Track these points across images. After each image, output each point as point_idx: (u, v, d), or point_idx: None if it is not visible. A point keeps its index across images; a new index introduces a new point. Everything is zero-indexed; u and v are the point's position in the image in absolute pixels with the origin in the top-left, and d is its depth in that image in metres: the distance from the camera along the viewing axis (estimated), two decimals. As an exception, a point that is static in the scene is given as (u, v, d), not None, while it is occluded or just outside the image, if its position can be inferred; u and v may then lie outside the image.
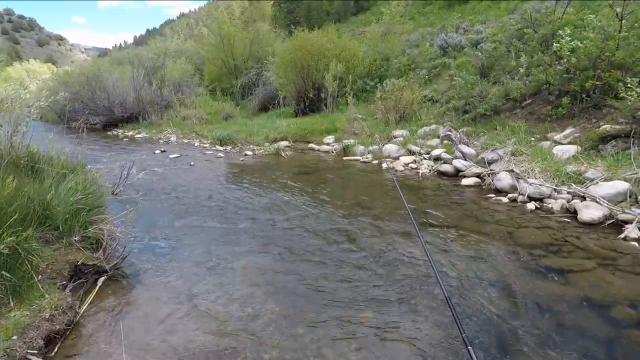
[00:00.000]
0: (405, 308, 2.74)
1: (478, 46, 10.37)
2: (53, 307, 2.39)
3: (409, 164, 6.77)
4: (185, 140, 10.94)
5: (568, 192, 4.30)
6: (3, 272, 2.35)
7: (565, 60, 5.65)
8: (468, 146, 6.15)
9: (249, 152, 8.70)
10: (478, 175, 5.48)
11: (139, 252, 3.72)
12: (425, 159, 6.77)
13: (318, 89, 11.92)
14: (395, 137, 7.88)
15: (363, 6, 27.31)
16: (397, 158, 7.06)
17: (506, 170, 5.03)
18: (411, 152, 7.12)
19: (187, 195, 5.56)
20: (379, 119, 9.13)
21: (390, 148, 7.31)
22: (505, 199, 4.67)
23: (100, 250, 3.41)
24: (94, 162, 7.52)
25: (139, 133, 12.88)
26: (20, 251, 2.53)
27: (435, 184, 5.76)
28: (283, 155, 8.36)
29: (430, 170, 6.26)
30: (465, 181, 5.52)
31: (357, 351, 2.33)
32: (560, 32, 6.07)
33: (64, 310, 2.45)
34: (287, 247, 3.79)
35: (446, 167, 6.08)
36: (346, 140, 8.32)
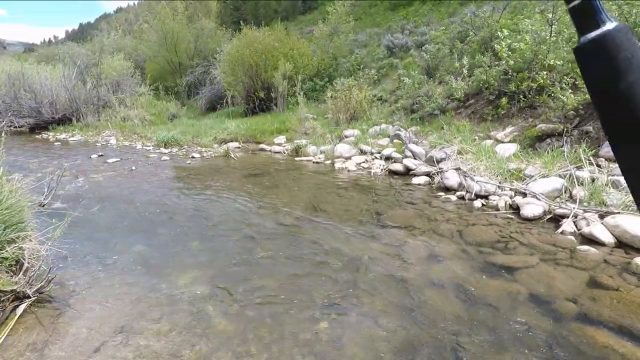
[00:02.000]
0: (360, 311, 2.67)
1: (423, 47, 10.74)
2: (-44, 347, 2.03)
3: (361, 163, 6.80)
4: (127, 143, 10.22)
5: (510, 189, 4.51)
6: None
7: (504, 62, 5.96)
8: (417, 145, 6.28)
9: (196, 155, 8.29)
10: (428, 174, 5.61)
11: (69, 271, 3.34)
12: (376, 158, 6.83)
13: (268, 88, 11.69)
14: (346, 137, 7.90)
15: (311, 6, 27.38)
16: (349, 158, 7.07)
17: (454, 169, 5.19)
18: (363, 152, 7.17)
19: (126, 204, 5.14)
20: (330, 119, 9.12)
21: (342, 148, 7.31)
22: (454, 197, 4.81)
23: (21, 273, 3.00)
24: (20, 170, 6.74)
25: (72, 136, 11.84)
26: None
27: (387, 183, 5.81)
28: (233, 156, 8.06)
29: (381, 170, 6.32)
30: (416, 180, 5.62)
31: (314, 366, 2.22)
32: (499, 33, 6.38)
33: (-29, 349, 2.08)
34: (236, 256, 3.59)
35: (397, 166, 6.17)
36: (298, 141, 8.21)
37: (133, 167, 7.27)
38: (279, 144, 8.71)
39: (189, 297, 2.94)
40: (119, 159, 8.02)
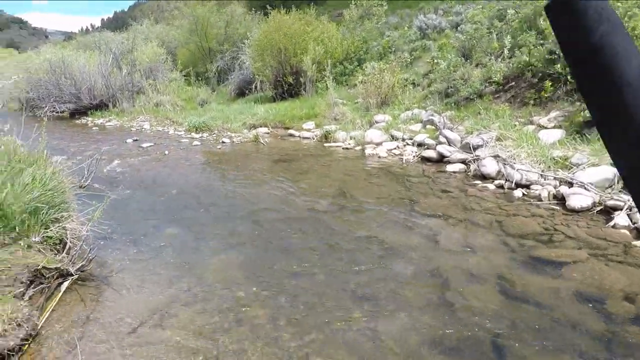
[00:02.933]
0: (395, 305, 2.59)
1: (458, 28, 10.25)
2: (6, 320, 2.12)
3: (392, 149, 6.63)
4: (159, 128, 10.45)
5: (555, 178, 4.24)
6: (-56, 285, 2.05)
7: (550, 40, 5.56)
8: (452, 131, 6.03)
9: (226, 140, 8.36)
10: (463, 161, 5.38)
11: (108, 251, 3.45)
12: (408, 144, 6.63)
13: (296, 73, 11.56)
14: (377, 122, 7.70)
15: (341, -12, 26.69)
16: (380, 144, 6.90)
17: (492, 156, 4.95)
18: (394, 138, 6.97)
19: (161, 187, 5.25)
20: (360, 104, 8.91)
21: (373, 134, 7.13)
22: (491, 186, 4.59)
23: (64, 252, 3.12)
24: (61, 153, 7.04)
25: (109, 121, 12.23)
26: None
27: (419, 170, 5.63)
28: (262, 142, 8.06)
29: (414, 157, 6.13)
30: (450, 167, 5.41)
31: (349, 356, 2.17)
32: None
33: (19, 323, 2.18)
34: (269, 241, 3.59)
35: (430, 153, 5.96)
36: (327, 126, 8.09)
37: (166, 152, 7.42)
38: (308, 130, 8.62)
39: (221, 281, 2.96)
40: (152, 144, 8.21)
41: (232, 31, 17.09)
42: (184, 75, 16.30)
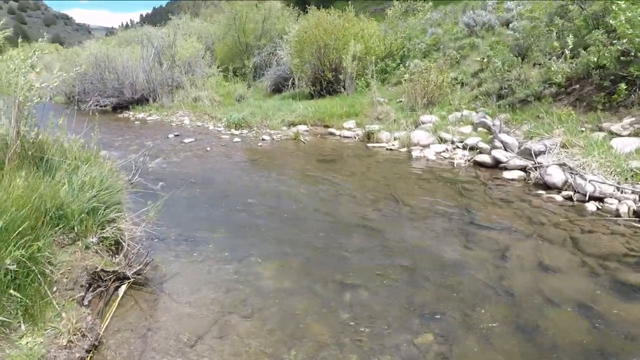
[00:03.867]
0: (465, 327, 2.37)
1: (510, 25, 9.70)
2: (71, 330, 2.06)
3: (441, 152, 6.32)
4: (199, 123, 10.53)
5: (633, 192, 3.84)
6: (11, 291, 2.01)
7: (623, 40, 5.07)
8: (509, 135, 5.66)
9: (266, 137, 8.28)
10: (522, 168, 5.03)
11: (161, 253, 3.39)
12: (458, 147, 6.30)
13: (335, 70, 11.35)
14: (423, 123, 7.39)
15: (378, -17, 26.15)
16: (427, 146, 6.60)
17: (557, 164, 4.57)
18: (442, 140, 6.65)
19: (206, 186, 5.20)
20: (405, 103, 8.60)
21: (420, 135, 6.84)
22: (558, 197, 4.23)
23: (121, 254, 3.08)
24: (106, 147, 7.18)
25: (150, 115, 12.50)
26: (32, 264, 2.18)
27: (472, 176, 5.32)
28: (302, 140, 7.93)
29: (465, 161, 5.80)
30: (507, 174, 5.07)
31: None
32: (614, 7, 5.43)
33: (83, 333, 2.12)
34: (320, 248, 3.42)
35: (484, 158, 5.62)
36: (369, 126, 7.85)
37: (208, 148, 7.43)
38: (349, 129, 8.42)
39: (276, 290, 2.83)
40: (193, 139, 8.26)
41: (270, 26, 17.06)
42: (221, 71, 16.45)
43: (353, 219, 4.03)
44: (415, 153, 6.38)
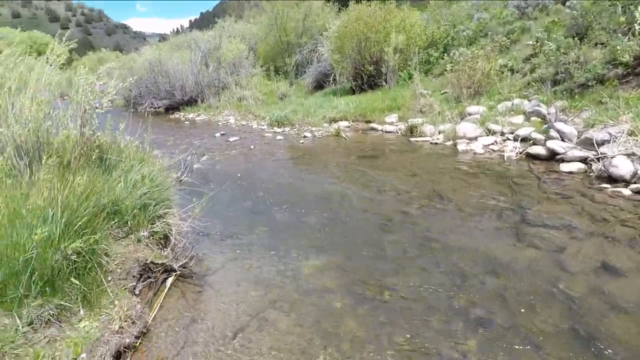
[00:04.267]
0: (515, 333, 2.21)
1: (567, 3, 8.95)
2: (122, 317, 2.20)
3: (489, 145, 5.99)
4: (243, 122, 10.83)
5: None
6: (72, 279, 2.18)
7: None
8: (566, 124, 5.22)
9: (307, 134, 8.33)
10: (583, 160, 4.62)
11: (205, 247, 3.53)
12: (508, 139, 5.93)
13: (376, 63, 11.14)
14: (470, 115, 7.04)
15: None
16: (474, 139, 6.28)
17: (624, 154, 4.14)
18: (491, 132, 6.29)
19: (249, 183, 5.33)
20: (449, 94, 8.26)
21: (466, 127, 6.52)
22: (626, 191, 3.83)
23: (169, 248, 3.24)
24: (159, 147, 7.59)
25: (198, 115, 13.06)
26: (90, 255, 2.35)
27: (525, 169, 4.98)
28: (344, 136, 7.88)
29: (517, 153, 5.45)
30: (565, 166, 4.69)
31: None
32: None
33: (133, 320, 2.25)
34: (360, 246, 3.37)
35: (538, 149, 5.24)
36: (412, 119, 7.62)
37: (252, 146, 7.61)
38: (391, 123, 8.23)
39: (315, 288, 2.82)
40: (238, 138, 8.50)
41: (310, 24, 17.12)
42: (264, 70, 16.79)
43: (395, 216, 3.93)
44: (461, 146, 6.09)
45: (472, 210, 3.91)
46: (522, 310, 2.42)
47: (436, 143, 6.66)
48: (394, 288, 2.76)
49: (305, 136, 8.23)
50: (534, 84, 6.94)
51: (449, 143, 6.48)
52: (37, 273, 2.03)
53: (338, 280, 2.92)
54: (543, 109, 5.89)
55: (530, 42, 8.28)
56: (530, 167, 5.00)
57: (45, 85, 3.01)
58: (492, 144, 5.96)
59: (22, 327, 1.98)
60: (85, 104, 3.49)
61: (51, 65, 3.18)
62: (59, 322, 2.12)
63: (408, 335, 2.29)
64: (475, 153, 5.82)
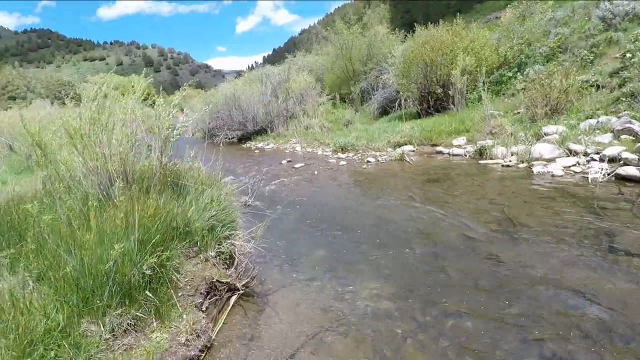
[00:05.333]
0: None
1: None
2: (189, 331, 2.36)
3: (570, 167, 5.46)
4: (309, 149, 11.21)
5: None
6: (147, 292, 2.41)
7: None
8: (665, 142, 4.59)
9: (371, 159, 8.34)
10: (688, 182, 4.00)
11: (266, 268, 3.66)
12: (593, 159, 5.35)
13: (443, 86, 10.91)
14: (547, 135, 6.51)
15: (490, -9, 24.68)
16: (552, 160, 5.78)
17: None
18: (571, 152, 5.75)
19: (311, 207, 5.45)
20: (523, 114, 7.75)
21: (543, 148, 6.04)
22: None
23: (233, 267, 3.43)
24: (231, 173, 8.16)
25: (267, 144, 13.81)
26: (162, 271, 2.59)
27: (614, 193, 4.44)
28: (408, 160, 7.75)
29: (604, 175, 4.89)
30: (665, 190, 4.09)
31: None
32: None
33: (198, 334, 2.40)
34: (422, 272, 3.24)
35: (630, 171, 4.66)
36: (481, 142, 7.27)
37: (315, 172, 7.82)
38: (459, 146, 7.92)
39: (373, 312, 2.77)
40: (303, 164, 8.80)
41: (375, 51, 17.44)
42: (330, 99, 17.36)
43: (461, 242, 3.73)
44: (537, 169, 5.63)
45: (547, 236, 3.56)
46: (604, 348, 2.11)
47: (508, 165, 6.25)
48: (457, 315, 2.60)
49: (368, 161, 8.25)
50: (623, 99, 6.25)
51: (523, 165, 6.03)
52: (117, 285, 2.29)
53: (397, 305, 2.83)
54: (636, 126, 5.26)
55: (619, 55, 7.51)
56: (621, 190, 4.44)
57: (131, 119, 3.45)
58: (574, 165, 5.43)
59: (105, 334, 2.23)
60: (163, 135, 3.94)
61: (137, 103, 3.65)
62: (135, 331, 2.35)
63: (472, 370, 2.13)
64: (553, 175, 5.34)
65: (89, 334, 2.20)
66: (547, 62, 9.48)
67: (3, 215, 2.96)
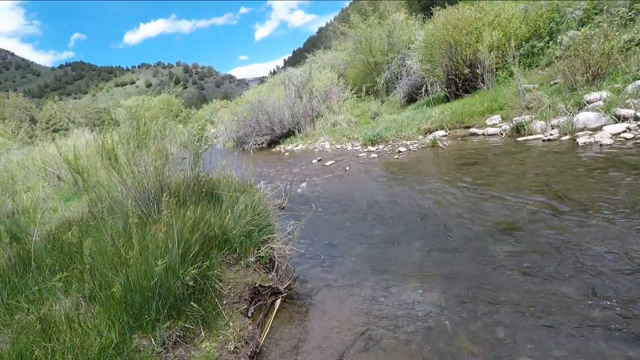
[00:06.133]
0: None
1: None
2: (236, 338, 2.38)
3: (620, 133, 5.06)
4: (338, 146, 11.13)
5: None
6: (192, 303, 2.45)
7: None
8: None
9: (402, 149, 8.15)
10: None
11: (306, 269, 3.64)
12: (647, 124, 4.93)
13: (470, 66, 10.48)
14: (589, 103, 6.08)
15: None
16: (598, 129, 5.38)
17: None
18: (619, 119, 5.32)
19: (345, 204, 5.39)
20: (560, 84, 7.28)
21: (586, 117, 5.64)
22: None
23: (274, 271, 3.44)
24: (263, 178, 8.26)
25: (297, 146, 13.86)
26: (205, 281, 2.63)
27: (675, 156, 4.05)
28: (441, 146, 7.50)
29: (661, 139, 4.48)
30: None
31: None
32: None
33: (246, 341, 2.41)
34: (467, 261, 3.10)
35: (691, 131, 4.24)
36: (517, 118, 6.91)
37: (347, 168, 7.75)
38: (493, 125, 7.57)
39: (420, 306, 2.67)
40: (334, 161, 8.75)
41: (395, 39, 17.08)
42: (354, 93, 17.19)
43: (505, 224, 3.55)
44: (582, 139, 5.26)
45: (600, 209, 3.31)
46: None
47: (549, 140, 5.89)
48: (510, 303, 2.46)
49: (399, 151, 8.07)
50: (674, 53, 5.70)
51: (566, 138, 5.66)
52: (163, 299, 2.34)
53: (444, 296, 2.72)
54: (692, 81, 4.78)
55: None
56: (683, 153, 4.05)
57: (163, 137, 3.54)
58: (624, 131, 5.02)
59: (157, 347, 2.29)
60: (196, 148, 4.03)
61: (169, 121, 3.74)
62: (185, 342, 2.40)
63: (533, 354, 2.00)
64: (600, 145, 4.97)
65: (142, 348, 2.26)
66: (582, 26, 8.86)
67: (55, 241, 3.13)
